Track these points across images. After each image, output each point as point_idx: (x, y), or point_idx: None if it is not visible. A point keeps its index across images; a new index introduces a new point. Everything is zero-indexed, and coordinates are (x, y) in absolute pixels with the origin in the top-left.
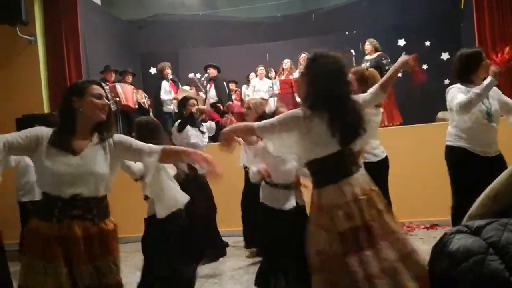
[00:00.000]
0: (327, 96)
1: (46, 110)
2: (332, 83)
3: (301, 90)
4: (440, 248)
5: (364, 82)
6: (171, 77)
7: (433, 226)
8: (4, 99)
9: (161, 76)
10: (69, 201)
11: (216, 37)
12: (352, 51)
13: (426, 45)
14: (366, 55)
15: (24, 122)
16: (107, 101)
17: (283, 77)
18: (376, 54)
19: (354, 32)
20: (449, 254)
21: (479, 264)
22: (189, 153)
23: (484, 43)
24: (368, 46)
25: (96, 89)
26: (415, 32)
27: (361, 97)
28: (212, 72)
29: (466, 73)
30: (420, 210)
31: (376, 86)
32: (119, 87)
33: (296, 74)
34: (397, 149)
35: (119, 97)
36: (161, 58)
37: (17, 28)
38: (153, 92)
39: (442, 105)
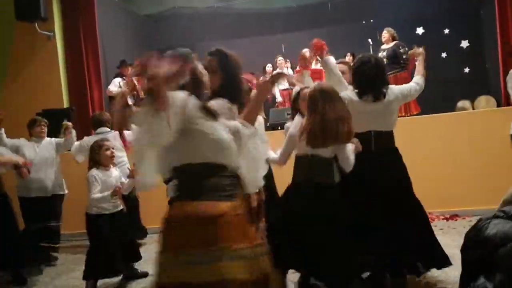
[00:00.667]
0: (242, 89)
1: (65, 104)
2: (241, 77)
3: (214, 83)
4: (475, 233)
5: None
6: None
7: (453, 216)
8: (24, 94)
9: None
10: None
11: (231, 29)
12: (369, 40)
13: (445, 33)
14: (383, 44)
15: (44, 117)
16: None
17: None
18: (392, 43)
19: (372, 21)
20: (485, 240)
21: None
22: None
23: (506, 30)
24: (385, 34)
25: None
26: (434, 20)
27: (412, 85)
28: None
29: None
30: (440, 200)
31: (419, 75)
32: (136, 81)
33: (313, 65)
34: (416, 140)
35: (137, 91)
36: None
37: (36, 24)
38: None
39: (462, 94)
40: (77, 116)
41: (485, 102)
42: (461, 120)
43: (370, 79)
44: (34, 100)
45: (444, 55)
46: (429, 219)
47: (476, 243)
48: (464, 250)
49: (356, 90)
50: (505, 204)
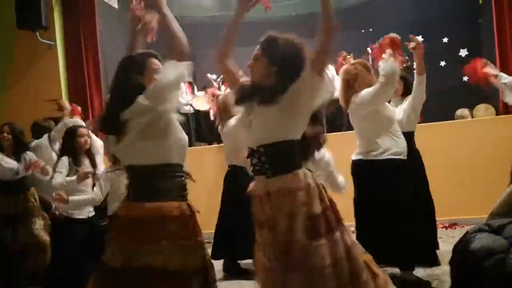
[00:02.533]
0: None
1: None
2: None
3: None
4: (462, 246)
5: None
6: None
7: (452, 225)
8: (25, 102)
9: None
10: None
11: None
12: (368, 49)
13: (443, 41)
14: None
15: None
16: None
17: None
18: None
19: (370, 30)
20: (471, 253)
21: (501, 262)
22: None
23: (504, 39)
24: None
25: (156, 64)
26: (433, 28)
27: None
28: None
29: None
30: (439, 209)
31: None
32: None
33: None
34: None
35: None
36: None
37: (37, 33)
38: None
39: (461, 103)
40: None
41: (484, 110)
42: (461, 128)
43: None
44: (35, 108)
45: (443, 63)
46: None
47: (462, 257)
48: (452, 263)
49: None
50: (493, 216)
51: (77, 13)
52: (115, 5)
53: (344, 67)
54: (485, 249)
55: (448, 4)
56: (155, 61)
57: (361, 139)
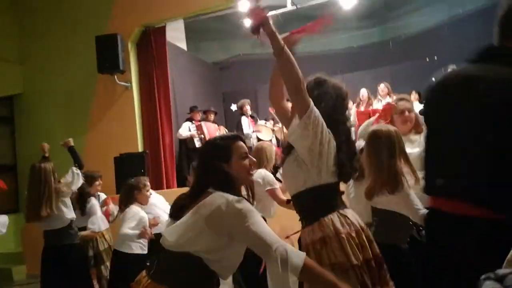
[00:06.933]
0: None
1: (140, 149)
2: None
3: None
4: None
5: None
6: (250, 113)
7: None
8: (104, 139)
9: (241, 112)
10: None
11: None
12: (433, 78)
13: None
14: None
15: (121, 160)
16: (251, 157)
17: (362, 108)
18: None
19: (435, 58)
20: None
21: None
22: None
23: None
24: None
25: (241, 147)
26: None
27: None
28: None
29: None
30: None
31: None
32: (204, 126)
33: (375, 104)
34: None
35: (204, 135)
36: (241, 95)
37: (115, 76)
38: (234, 128)
39: None
40: (150, 159)
41: None
42: None
43: None
44: (113, 144)
45: None
46: None
47: None
48: None
49: None
50: (509, 262)
51: (151, 56)
52: (184, 47)
53: None
54: None
55: None
56: (241, 144)
57: None
